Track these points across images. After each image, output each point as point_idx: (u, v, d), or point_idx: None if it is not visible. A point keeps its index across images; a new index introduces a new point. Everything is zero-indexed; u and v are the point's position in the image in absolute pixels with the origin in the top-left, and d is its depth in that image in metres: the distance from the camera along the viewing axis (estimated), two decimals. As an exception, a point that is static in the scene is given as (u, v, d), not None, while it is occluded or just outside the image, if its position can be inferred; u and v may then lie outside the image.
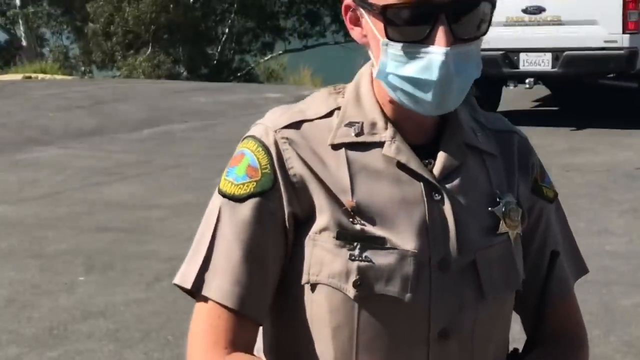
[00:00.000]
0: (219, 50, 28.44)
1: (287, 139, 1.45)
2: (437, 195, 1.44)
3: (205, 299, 1.44)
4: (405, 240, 1.41)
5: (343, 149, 1.45)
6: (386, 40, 1.39)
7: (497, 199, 1.48)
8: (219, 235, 1.44)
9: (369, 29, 1.43)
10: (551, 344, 1.56)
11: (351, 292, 1.41)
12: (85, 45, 27.39)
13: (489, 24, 1.41)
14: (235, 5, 28.03)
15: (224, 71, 28.01)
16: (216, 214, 1.45)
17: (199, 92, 15.16)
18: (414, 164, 1.45)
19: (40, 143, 10.93)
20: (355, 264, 1.40)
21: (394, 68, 1.40)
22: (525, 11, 10.53)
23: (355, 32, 1.47)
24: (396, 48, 1.39)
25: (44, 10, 29.63)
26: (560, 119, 11.50)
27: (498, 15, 10.30)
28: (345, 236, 1.41)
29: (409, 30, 1.37)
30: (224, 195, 1.45)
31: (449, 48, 1.35)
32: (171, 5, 24.64)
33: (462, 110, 1.52)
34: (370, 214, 1.41)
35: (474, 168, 1.49)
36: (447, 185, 1.45)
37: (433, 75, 1.37)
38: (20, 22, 29.19)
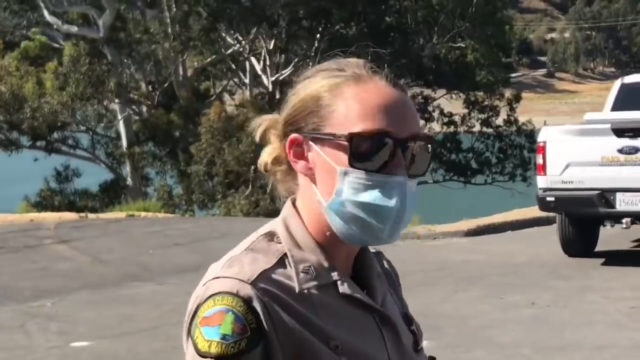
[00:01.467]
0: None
1: (264, 290, 1.45)
2: (387, 323, 1.55)
3: None
4: None
5: (309, 293, 1.48)
6: (344, 168, 1.46)
7: (410, 318, 1.63)
8: None
9: (320, 160, 1.49)
10: None
11: None
12: (187, 185, 28.10)
13: (428, 168, 1.52)
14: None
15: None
16: None
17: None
18: (364, 298, 1.53)
19: (140, 279, 11.17)
20: None
21: (351, 195, 1.45)
22: (620, 151, 10.50)
23: (299, 166, 1.52)
24: (356, 176, 1.45)
25: (149, 151, 30.61)
26: (661, 259, 11.29)
27: (593, 155, 10.31)
28: None
29: (371, 160, 1.45)
30: (216, 357, 1.41)
31: (406, 177, 1.46)
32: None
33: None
34: (354, 352, 1.47)
35: (389, 295, 1.62)
36: (387, 313, 1.56)
37: (391, 202, 1.45)
38: (127, 161, 30.17)
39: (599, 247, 11.64)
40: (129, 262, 12.36)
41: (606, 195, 10.59)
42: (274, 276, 1.47)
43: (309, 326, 1.45)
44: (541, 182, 10.96)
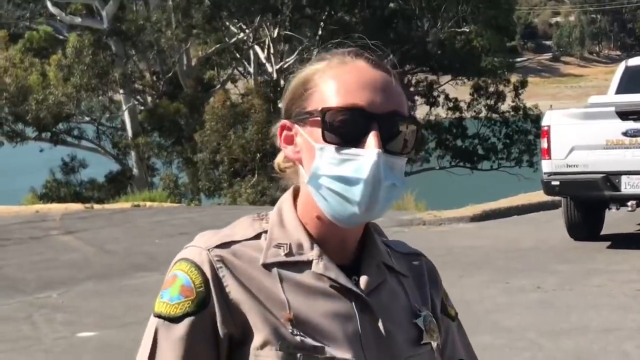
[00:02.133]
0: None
1: (220, 257, 1.51)
2: (366, 308, 1.54)
3: None
4: (342, 350, 1.49)
5: (275, 268, 1.52)
6: (321, 144, 1.50)
7: (417, 312, 1.61)
8: (157, 355, 1.50)
9: (304, 141, 1.54)
10: None
11: None
12: (193, 174, 28.11)
13: (413, 147, 1.54)
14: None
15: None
16: (152, 335, 1.51)
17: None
18: (343, 279, 1.54)
19: (146, 269, 11.18)
20: None
21: (327, 170, 1.50)
22: (625, 134, 10.47)
23: (288, 150, 1.58)
24: (330, 150, 1.49)
25: (155, 141, 30.61)
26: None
27: (598, 138, 10.28)
28: (287, 347, 1.47)
29: (344, 134, 1.49)
30: (159, 316, 1.50)
31: (379, 150, 1.47)
32: (276, 133, 25.14)
33: (375, 234, 1.63)
34: (308, 326, 1.49)
35: (393, 285, 1.61)
36: (374, 300, 1.55)
37: (363, 173, 1.47)
38: (132, 152, 30.19)
39: (604, 231, 11.63)
40: (135, 252, 12.38)
41: (611, 179, 10.56)
42: (240, 247, 1.53)
43: (264, 295, 1.49)
44: (546, 166, 10.94)
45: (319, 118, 1.51)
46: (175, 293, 1.50)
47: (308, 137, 1.53)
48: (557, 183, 10.79)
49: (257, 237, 1.56)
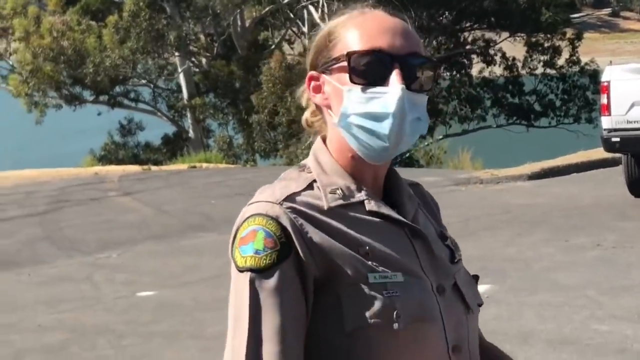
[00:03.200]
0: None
1: (291, 208, 1.63)
2: (416, 235, 1.70)
3: None
4: (414, 273, 1.65)
5: (338, 210, 1.65)
6: (348, 87, 1.64)
7: (444, 234, 1.79)
8: (256, 307, 1.58)
9: (332, 87, 1.68)
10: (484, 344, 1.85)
11: (394, 326, 1.59)
12: (249, 135, 28.19)
13: (432, 87, 1.70)
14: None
15: (384, 156, 28.18)
16: (246, 289, 1.59)
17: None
18: (392, 213, 1.69)
19: (203, 229, 11.27)
20: (391, 300, 1.60)
21: (356, 108, 1.64)
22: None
23: (317, 98, 1.72)
24: (357, 91, 1.64)
25: (210, 102, 30.72)
26: None
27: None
28: (375, 278, 1.60)
29: (369, 74, 1.64)
30: (251, 270, 1.58)
31: (403, 86, 1.62)
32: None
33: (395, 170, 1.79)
34: (381, 258, 1.63)
35: (421, 213, 1.78)
36: (418, 227, 1.71)
37: (390, 108, 1.62)
38: (188, 114, 30.34)
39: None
40: (192, 213, 12.47)
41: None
42: (302, 198, 1.65)
43: (339, 236, 1.62)
44: (605, 122, 10.78)
45: (344, 63, 1.64)
46: (259, 246, 1.59)
47: (335, 82, 1.66)
48: (617, 139, 10.63)
49: (310, 186, 1.67)
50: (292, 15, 31.60)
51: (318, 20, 30.30)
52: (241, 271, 1.59)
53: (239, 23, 30.48)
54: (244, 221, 1.62)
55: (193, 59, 31.25)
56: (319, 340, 1.60)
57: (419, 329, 1.62)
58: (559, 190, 12.61)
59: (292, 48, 33.53)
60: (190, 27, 31.14)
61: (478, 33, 33.10)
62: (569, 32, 32.75)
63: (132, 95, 31.16)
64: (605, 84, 10.73)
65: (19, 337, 7.07)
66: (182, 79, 30.42)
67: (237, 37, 30.26)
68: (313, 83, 1.72)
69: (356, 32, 1.67)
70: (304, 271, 1.59)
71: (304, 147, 18.90)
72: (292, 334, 1.58)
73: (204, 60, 31.54)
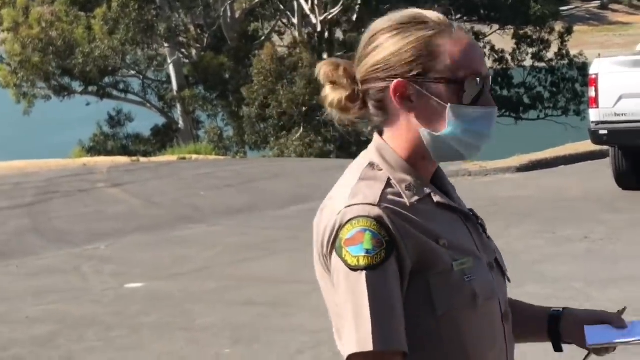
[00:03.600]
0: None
1: (388, 208, 1.81)
2: (469, 221, 1.94)
3: (380, 354, 1.76)
4: (477, 256, 1.88)
5: (416, 205, 1.85)
6: (454, 105, 1.84)
7: (476, 214, 2.00)
8: (374, 299, 1.76)
9: (425, 99, 1.86)
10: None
11: (475, 306, 1.83)
12: (239, 127, 28.15)
13: None
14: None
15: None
16: (363, 283, 1.77)
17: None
18: (452, 202, 1.92)
19: (192, 221, 11.27)
20: (474, 284, 1.84)
21: (462, 124, 1.85)
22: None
23: (404, 105, 1.86)
24: (462, 109, 1.85)
25: (200, 94, 30.66)
26: None
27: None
28: (458, 266, 1.83)
29: (470, 95, 1.86)
30: (365, 268, 1.77)
31: (495, 108, 1.89)
32: (323, 86, 25.01)
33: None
34: (456, 246, 1.85)
35: (457, 196, 2.00)
36: (466, 211, 1.95)
37: (490, 127, 1.88)
38: (177, 105, 30.29)
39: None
40: (181, 204, 12.47)
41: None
42: (389, 197, 1.82)
43: (423, 231, 1.82)
44: (594, 115, 10.81)
45: (451, 84, 1.84)
46: (369, 246, 1.77)
47: (435, 97, 1.85)
48: (605, 132, 10.66)
49: (388, 184, 1.84)
50: (282, 7, 31.56)
51: (308, 12, 30.28)
52: (354, 270, 1.77)
53: (229, 14, 30.43)
54: (346, 223, 1.79)
55: (183, 50, 31.18)
56: (411, 323, 1.79)
57: (489, 305, 1.87)
58: (547, 183, 12.65)
59: (282, 39, 33.49)
60: (180, 18, 31.07)
61: (468, 26, 33.14)
62: (559, 27, 32.78)
63: (121, 86, 31.08)
64: (594, 76, 10.75)
65: (6, 329, 7.06)
66: (171, 70, 30.36)
67: (227, 28, 30.21)
68: (401, 91, 1.85)
69: (454, 55, 1.86)
70: (402, 264, 1.79)
71: (295, 139, 18.88)
72: (402, 321, 1.78)
73: (193, 52, 31.48)
